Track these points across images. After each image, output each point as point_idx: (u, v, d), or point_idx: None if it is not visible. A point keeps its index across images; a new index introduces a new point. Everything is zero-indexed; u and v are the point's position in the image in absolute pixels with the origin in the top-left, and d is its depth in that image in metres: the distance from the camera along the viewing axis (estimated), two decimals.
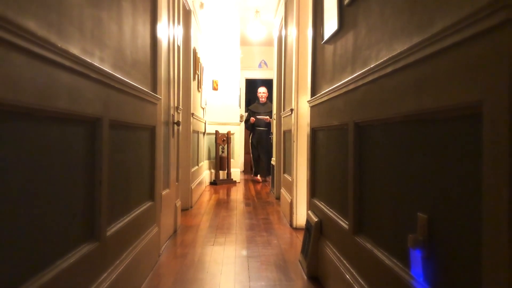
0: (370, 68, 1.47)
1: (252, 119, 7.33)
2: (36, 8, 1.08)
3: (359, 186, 1.71)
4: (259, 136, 7.39)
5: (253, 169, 7.79)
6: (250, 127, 7.54)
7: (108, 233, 1.67)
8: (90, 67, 1.41)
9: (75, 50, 1.31)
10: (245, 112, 8.49)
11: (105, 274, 1.62)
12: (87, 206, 1.50)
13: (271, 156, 6.49)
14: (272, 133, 6.32)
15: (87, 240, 1.50)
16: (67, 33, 1.28)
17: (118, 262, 1.79)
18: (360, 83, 1.62)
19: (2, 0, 0.92)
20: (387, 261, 1.35)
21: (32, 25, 1.05)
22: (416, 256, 1.14)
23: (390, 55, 1.28)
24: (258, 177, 7.56)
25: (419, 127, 1.14)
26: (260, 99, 7.52)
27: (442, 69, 0.97)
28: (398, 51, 1.22)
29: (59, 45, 1.17)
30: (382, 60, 1.35)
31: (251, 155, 7.67)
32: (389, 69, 1.30)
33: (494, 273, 0.77)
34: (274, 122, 5.69)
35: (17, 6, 0.99)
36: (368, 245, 1.55)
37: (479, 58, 0.82)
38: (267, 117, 7.20)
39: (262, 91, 7.50)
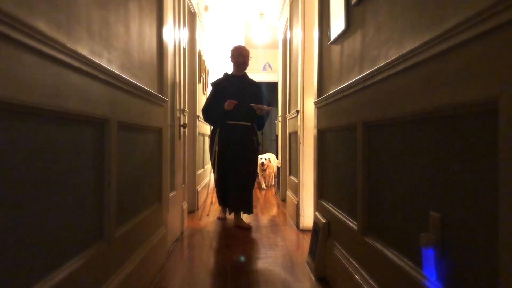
0: (379, 67, 1.46)
1: (231, 102, 3.72)
2: (45, 8, 1.08)
3: (368, 186, 1.70)
4: (230, 137, 3.84)
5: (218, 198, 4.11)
6: (216, 119, 3.94)
7: (117, 235, 1.66)
8: (99, 68, 1.41)
9: (83, 51, 1.31)
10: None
11: (113, 275, 1.61)
12: (96, 207, 1.50)
13: (253, 177, 3.94)
14: (260, 132, 4.05)
15: (97, 241, 1.50)
16: (76, 34, 1.28)
17: (126, 263, 1.78)
18: (368, 82, 1.61)
19: (13, 0, 0.93)
20: (397, 261, 1.34)
21: (42, 25, 1.05)
22: (429, 255, 1.13)
23: (400, 53, 1.27)
24: (225, 214, 4.17)
25: (431, 125, 1.13)
26: (237, 67, 4.01)
27: (456, 65, 0.96)
28: (409, 49, 1.21)
29: (69, 46, 1.17)
30: (391, 59, 1.34)
31: (215, 173, 3.97)
32: (399, 68, 1.29)
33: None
34: (279, 124, 5.64)
35: (27, 6, 0.99)
36: (378, 245, 1.53)
37: (494, 53, 0.81)
38: (265, 106, 3.88)
39: (242, 52, 3.98)
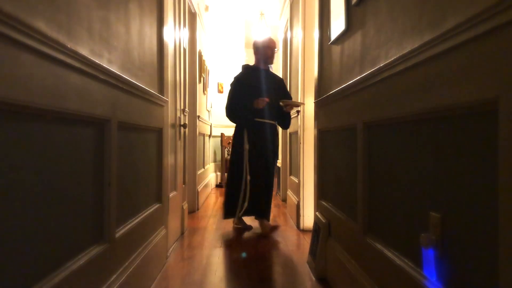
0: (380, 67, 1.46)
1: (263, 100, 3.51)
2: (45, 8, 1.08)
3: (369, 186, 1.70)
4: (259, 136, 3.59)
5: (239, 205, 3.62)
6: (244, 117, 3.61)
7: (117, 235, 1.66)
8: (99, 69, 1.41)
9: (84, 51, 1.31)
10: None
11: (114, 276, 1.61)
12: (96, 207, 1.50)
13: (272, 179, 3.72)
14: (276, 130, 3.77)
15: (97, 242, 1.50)
16: (76, 34, 1.28)
17: (127, 263, 1.78)
18: (369, 82, 1.61)
19: (13, 0, 0.93)
20: (398, 261, 1.34)
21: (42, 25, 1.05)
22: (429, 256, 1.13)
23: (400, 54, 1.27)
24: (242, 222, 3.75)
25: (431, 126, 1.13)
26: (263, 61, 3.73)
27: (456, 66, 0.96)
28: (409, 49, 1.21)
29: (69, 46, 1.17)
30: (392, 59, 1.34)
31: (244, 173, 3.59)
32: (399, 68, 1.29)
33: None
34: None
35: (27, 6, 0.99)
36: (378, 245, 1.53)
37: (495, 53, 0.81)
38: (299, 101, 3.70)
39: (271, 44, 3.70)
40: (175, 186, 3.22)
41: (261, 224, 3.57)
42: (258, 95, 3.54)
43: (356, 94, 1.80)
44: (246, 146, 3.57)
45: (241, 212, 3.61)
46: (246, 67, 3.82)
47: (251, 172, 3.57)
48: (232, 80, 3.78)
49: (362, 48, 1.78)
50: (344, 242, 2.06)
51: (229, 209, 3.69)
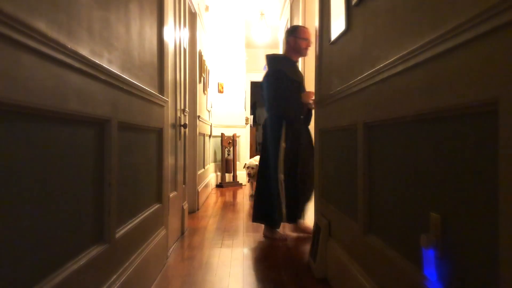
0: (380, 67, 1.46)
1: (312, 93, 3.15)
2: (46, 8, 1.09)
3: (369, 186, 1.70)
4: (300, 133, 3.33)
5: (285, 212, 3.29)
6: (296, 112, 3.32)
7: (117, 235, 1.66)
8: (99, 69, 1.41)
9: (84, 52, 1.31)
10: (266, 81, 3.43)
11: (114, 276, 1.62)
12: (96, 208, 1.50)
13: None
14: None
15: (97, 242, 1.50)
16: (76, 34, 1.28)
17: (127, 264, 1.79)
18: (369, 83, 1.61)
19: (13, 1, 0.93)
20: (398, 261, 1.34)
21: (42, 26, 1.06)
22: (429, 256, 1.13)
23: (400, 54, 1.27)
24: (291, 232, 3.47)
25: (431, 126, 1.13)
26: (298, 52, 3.40)
27: (456, 66, 0.96)
28: (409, 49, 1.21)
29: (69, 46, 1.17)
30: (392, 59, 1.34)
31: (282, 183, 3.27)
32: (399, 68, 1.29)
33: None
34: None
35: (27, 6, 0.99)
36: (379, 246, 1.53)
37: (495, 54, 0.81)
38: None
39: (309, 36, 3.37)
40: (175, 186, 3.22)
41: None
42: (300, 90, 3.31)
43: (356, 94, 1.80)
44: (283, 144, 3.28)
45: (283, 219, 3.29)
46: (282, 58, 3.44)
47: (294, 174, 3.27)
48: (266, 72, 3.43)
49: (362, 48, 1.78)
50: (344, 242, 2.06)
51: (261, 213, 3.40)
